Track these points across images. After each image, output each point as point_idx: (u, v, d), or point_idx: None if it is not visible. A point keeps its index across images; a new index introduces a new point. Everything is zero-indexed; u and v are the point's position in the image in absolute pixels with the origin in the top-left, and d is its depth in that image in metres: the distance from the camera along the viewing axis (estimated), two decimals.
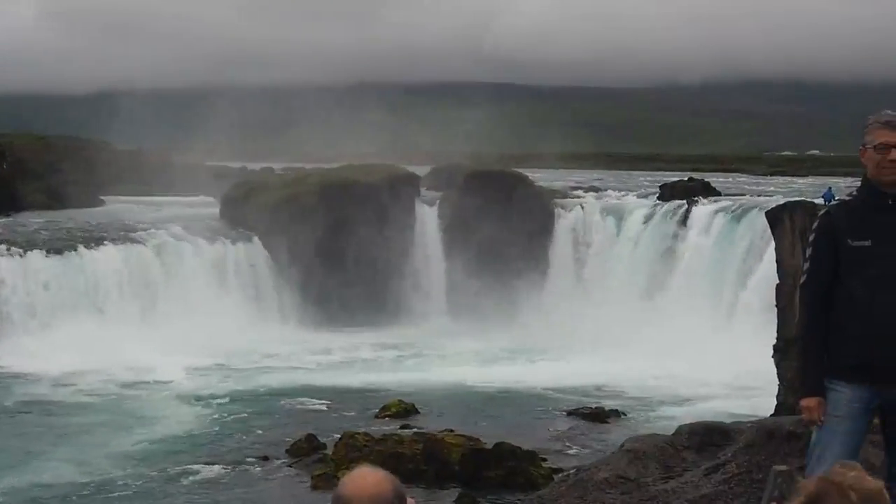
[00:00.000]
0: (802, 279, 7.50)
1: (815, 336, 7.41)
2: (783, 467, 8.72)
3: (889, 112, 7.39)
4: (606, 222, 66.02)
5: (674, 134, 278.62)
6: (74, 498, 33.08)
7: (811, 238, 7.44)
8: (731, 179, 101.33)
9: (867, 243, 7.19)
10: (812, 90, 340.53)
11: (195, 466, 36.04)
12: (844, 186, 52.87)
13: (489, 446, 34.23)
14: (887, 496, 4.39)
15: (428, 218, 68.12)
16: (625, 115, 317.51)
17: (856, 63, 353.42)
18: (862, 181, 7.46)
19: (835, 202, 7.72)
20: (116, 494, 33.52)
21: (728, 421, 16.33)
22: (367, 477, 4.16)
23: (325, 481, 32.50)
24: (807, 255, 7.47)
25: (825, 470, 4.64)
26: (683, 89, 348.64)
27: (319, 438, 37.58)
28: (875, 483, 4.37)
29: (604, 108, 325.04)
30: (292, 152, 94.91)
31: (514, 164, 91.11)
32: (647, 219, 64.94)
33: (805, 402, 7.42)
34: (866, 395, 7.30)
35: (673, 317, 56.90)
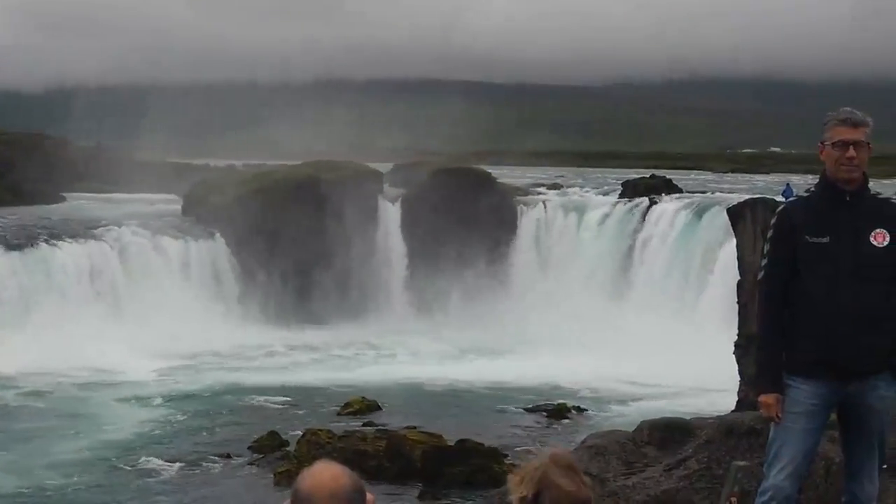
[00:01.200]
0: (760, 275, 7.51)
1: (773, 332, 7.42)
2: (743, 463, 8.78)
3: (847, 109, 7.41)
4: (568, 220, 66.09)
5: (636, 131, 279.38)
6: (33, 499, 32.89)
7: (769, 234, 7.46)
8: (692, 177, 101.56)
9: (825, 240, 7.21)
10: (772, 88, 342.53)
11: (157, 465, 35.92)
12: (804, 183, 53.15)
13: (452, 443, 34.27)
14: None
15: (391, 215, 68.03)
16: (588, 112, 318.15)
17: (815, 61, 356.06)
18: (820, 178, 7.48)
19: (793, 198, 7.73)
20: (77, 495, 33.37)
21: (689, 417, 16.39)
22: (325, 472, 4.17)
23: (288, 479, 32.37)
24: (765, 252, 7.49)
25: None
26: (645, 87, 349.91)
27: (282, 436, 37.56)
28: (585, 492, 4.72)
29: (567, 106, 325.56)
30: (255, 149, 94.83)
31: (478, 161, 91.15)
32: (609, 216, 65.08)
33: (763, 399, 7.43)
34: (824, 391, 7.32)
35: (635, 314, 57.09)
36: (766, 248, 7.48)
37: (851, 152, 7.22)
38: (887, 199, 7.54)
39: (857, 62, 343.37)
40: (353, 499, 4.13)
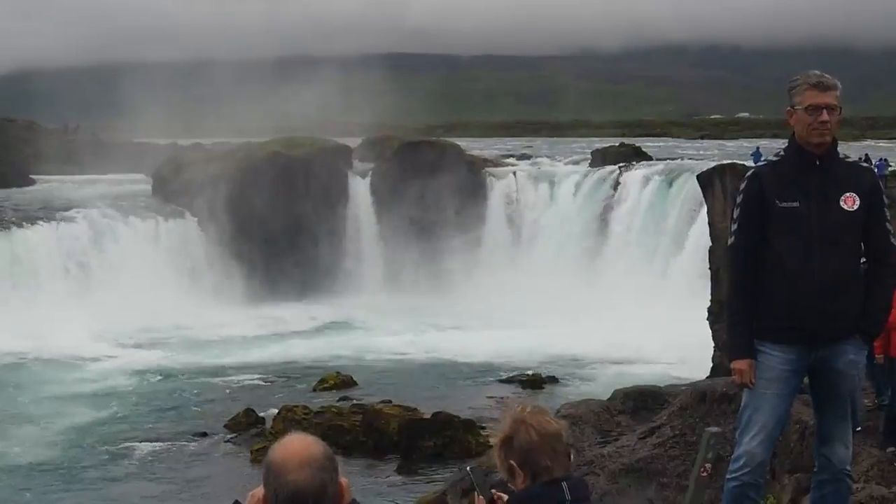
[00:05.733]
0: (730, 241, 7.45)
1: (743, 298, 7.38)
2: (716, 429, 8.76)
3: (817, 73, 7.31)
4: (539, 190, 66.11)
5: (595, 101, 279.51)
6: (8, 481, 32.78)
7: (738, 199, 7.38)
8: (661, 144, 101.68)
9: (795, 204, 7.15)
10: (725, 54, 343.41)
11: (133, 445, 35.87)
12: (774, 147, 53.26)
13: (427, 416, 34.32)
14: (565, 437, 4.91)
15: (361, 190, 67.97)
16: (544, 82, 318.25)
17: (766, 26, 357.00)
18: (789, 142, 7.41)
19: (762, 163, 7.66)
20: (54, 475, 33.28)
21: (663, 385, 16.45)
22: (297, 441, 4.23)
23: (264, 455, 32.35)
24: (734, 217, 7.43)
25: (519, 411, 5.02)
26: (599, 56, 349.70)
27: (258, 413, 37.54)
28: (555, 425, 4.90)
29: (523, 76, 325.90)
30: (222, 127, 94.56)
31: (445, 133, 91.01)
32: (580, 185, 65.11)
33: (736, 365, 7.39)
34: (795, 356, 7.29)
35: (607, 283, 57.17)
36: (736, 213, 7.40)
37: (824, 116, 7.13)
38: (856, 163, 7.49)
39: (820, 26, 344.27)
40: (325, 466, 4.18)
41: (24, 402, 41.75)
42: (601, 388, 35.76)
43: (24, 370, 46.99)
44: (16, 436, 37.16)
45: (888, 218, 7.39)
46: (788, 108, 7.34)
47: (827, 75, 7.29)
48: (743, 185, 7.44)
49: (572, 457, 5.01)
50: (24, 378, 45.70)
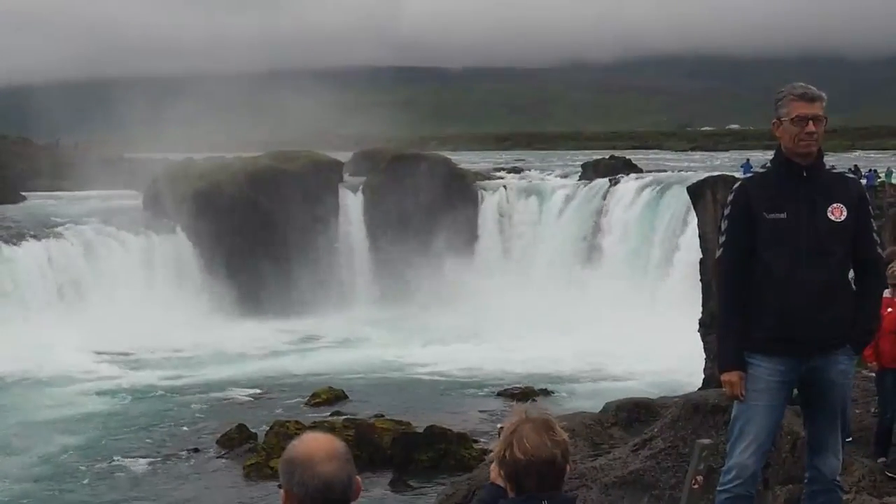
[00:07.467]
0: (718, 253, 7.46)
1: (733, 310, 7.39)
2: (707, 441, 8.78)
3: (801, 84, 7.37)
4: (530, 203, 66.18)
5: (588, 112, 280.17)
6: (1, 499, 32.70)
7: (726, 212, 7.41)
8: (652, 156, 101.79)
9: (783, 216, 7.18)
10: (717, 65, 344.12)
11: (125, 461, 35.79)
12: (764, 159, 53.30)
13: (420, 430, 34.37)
14: (559, 461, 4.91)
15: (352, 204, 67.98)
16: (536, 94, 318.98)
17: (758, 37, 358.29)
18: (775, 153, 7.46)
19: (749, 175, 7.70)
20: (44, 495, 33.18)
21: (655, 397, 16.43)
22: (318, 437, 4.40)
23: (257, 471, 32.52)
24: (722, 229, 7.45)
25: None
26: (591, 67, 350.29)
27: (250, 428, 37.45)
28: (548, 451, 4.89)
29: (514, 88, 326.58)
30: (213, 141, 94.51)
31: (435, 146, 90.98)
32: (570, 199, 65.19)
33: (726, 377, 7.40)
34: (784, 367, 7.30)
35: (599, 295, 57.17)
36: (723, 225, 7.43)
37: (811, 127, 7.18)
38: (842, 174, 7.53)
39: (811, 36, 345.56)
40: (349, 459, 4.34)
41: (12, 422, 41.53)
42: (593, 400, 35.71)
43: (13, 390, 46.79)
44: (3, 456, 37.03)
45: (875, 228, 7.43)
46: (774, 120, 7.39)
47: (811, 86, 7.34)
48: (730, 198, 7.47)
49: (567, 473, 5.00)
50: (11, 398, 45.49)
